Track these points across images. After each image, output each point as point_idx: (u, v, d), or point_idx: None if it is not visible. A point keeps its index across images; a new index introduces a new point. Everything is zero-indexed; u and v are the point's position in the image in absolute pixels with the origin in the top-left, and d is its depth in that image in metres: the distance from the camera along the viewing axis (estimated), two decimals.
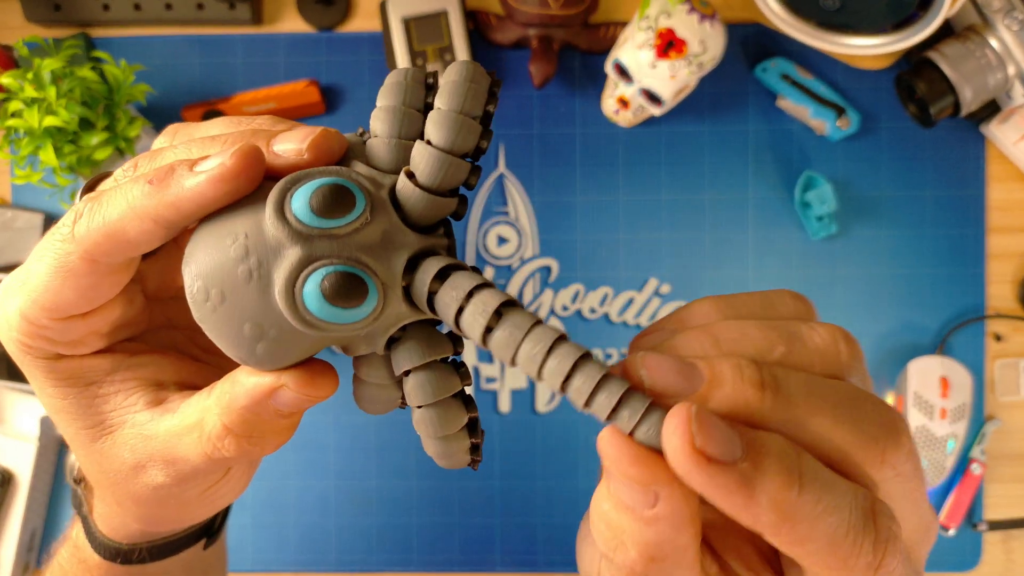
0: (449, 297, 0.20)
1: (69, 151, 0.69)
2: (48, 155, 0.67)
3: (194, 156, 0.23)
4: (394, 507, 0.82)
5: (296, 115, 0.79)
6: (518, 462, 0.81)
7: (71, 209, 0.24)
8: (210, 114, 0.78)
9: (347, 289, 0.19)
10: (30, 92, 0.67)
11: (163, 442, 0.24)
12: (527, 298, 0.81)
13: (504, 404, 0.81)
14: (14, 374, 0.80)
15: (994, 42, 0.70)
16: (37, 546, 0.82)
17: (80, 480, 0.33)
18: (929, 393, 0.76)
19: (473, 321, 0.20)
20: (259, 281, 0.20)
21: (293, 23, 0.81)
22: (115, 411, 0.25)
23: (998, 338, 0.80)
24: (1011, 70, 0.71)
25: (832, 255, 0.80)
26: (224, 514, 0.38)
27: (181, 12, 0.79)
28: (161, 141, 0.26)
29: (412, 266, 0.21)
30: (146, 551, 0.34)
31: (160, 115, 0.81)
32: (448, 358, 0.23)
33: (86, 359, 0.26)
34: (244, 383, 0.23)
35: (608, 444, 0.20)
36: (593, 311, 0.81)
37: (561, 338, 0.20)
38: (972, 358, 0.80)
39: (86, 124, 0.70)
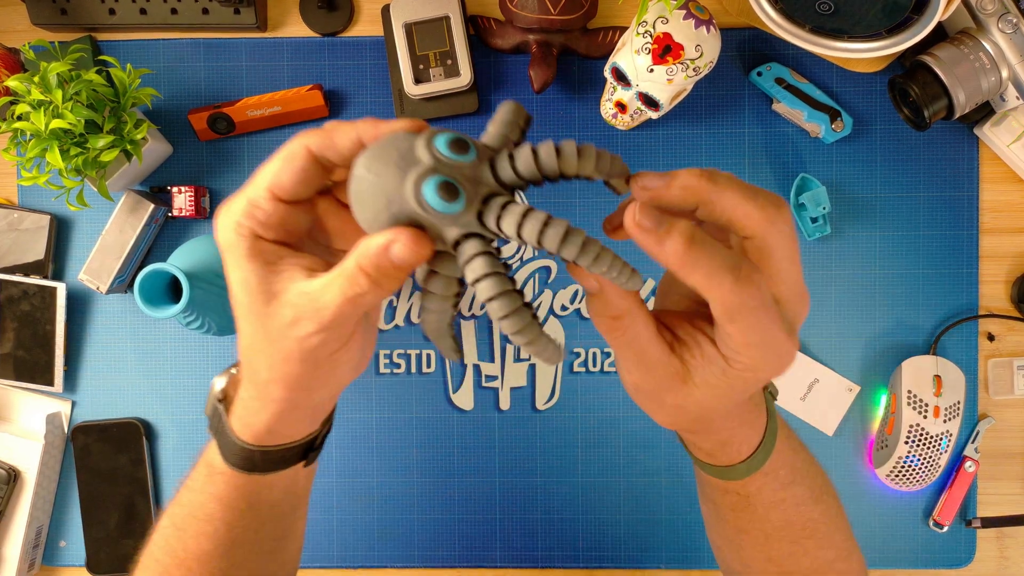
0: (513, 214, 0.34)
1: (75, 153, 0.69)
2: (54, 157, 0.68)
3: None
4: (396, 504, 0.83)
5: (300, 119, 0.80)
6: (518, 459, 0.82)
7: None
8: (216, 117, 0.79)
9: (449, 191, 0.33)
10: (37, 95, 0.68)
11: (314, 296, 0.36)
12: (527, 298, 0.81)
13: (504, 402, 0.82)
14: (21, 374, 0.81)
15: (987, 45, 0.71)
16: (43, 543, 0.83)
17: (222, 399, 0.44)
18: (923, 392, 0.77)
19: (532, 228, 0.34)
20: (402, 172, 0.34)
21: (297, 28, 0.82)
22: (283, 281, 0.37)
23: (991, 338, 0.81)
24: (1004, 73, 0.71)
25: (827, 256, 0.81)
26: (322, 437, 0.48)
27: (186, 17, 0.80)
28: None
29: (486, 200, 0.35)
30: (260, 457, 0.44)
31: (166, 118, 0.82)
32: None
33: (271, 244, 0.37)
34: (373, 239, 0.34)
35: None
36: None
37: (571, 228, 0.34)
38: (965, 357, 0.81)
39: (92, 127, 0.70)
